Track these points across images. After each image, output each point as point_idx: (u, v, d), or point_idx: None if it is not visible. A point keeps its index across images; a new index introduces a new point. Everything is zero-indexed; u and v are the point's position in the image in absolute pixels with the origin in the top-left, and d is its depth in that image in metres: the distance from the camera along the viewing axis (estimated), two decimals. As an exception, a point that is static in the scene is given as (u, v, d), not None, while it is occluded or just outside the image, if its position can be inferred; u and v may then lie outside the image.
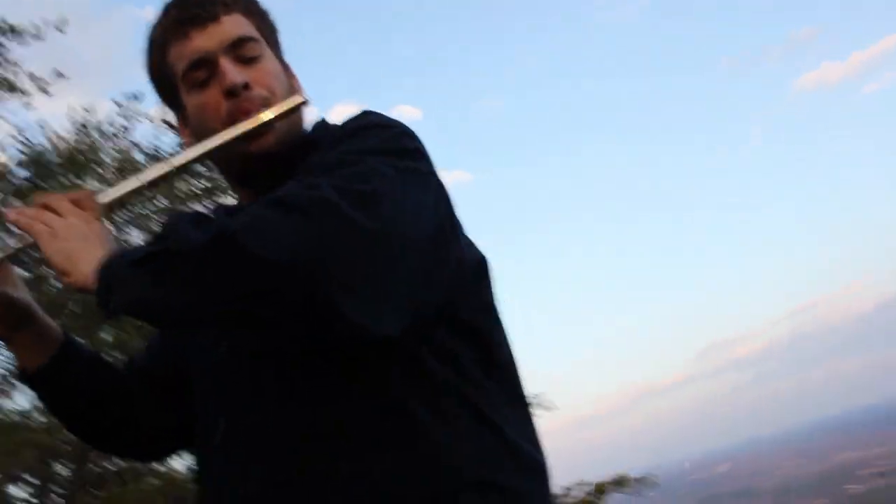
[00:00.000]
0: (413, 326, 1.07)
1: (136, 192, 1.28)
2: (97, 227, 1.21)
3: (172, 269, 1.04)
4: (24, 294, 1.36)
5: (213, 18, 1.25)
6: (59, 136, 9.30)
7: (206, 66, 1.25)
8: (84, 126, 9.47)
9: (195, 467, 1.32)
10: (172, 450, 1.55)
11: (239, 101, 1.23)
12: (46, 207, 1.22)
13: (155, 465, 8.06)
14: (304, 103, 1.26)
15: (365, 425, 1.10)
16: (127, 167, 9.16)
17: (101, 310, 1.12)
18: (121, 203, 1.28)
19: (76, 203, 1.23)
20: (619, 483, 11.08)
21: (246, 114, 1.23)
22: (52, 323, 1.41)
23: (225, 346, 1.24)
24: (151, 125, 9.81)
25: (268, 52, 1.30)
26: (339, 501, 1.08)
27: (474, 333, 1.19)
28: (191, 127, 1.31)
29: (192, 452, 1.40)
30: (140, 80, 1.35)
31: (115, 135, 10.04)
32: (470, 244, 1.25)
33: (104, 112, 9.84)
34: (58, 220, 1.20)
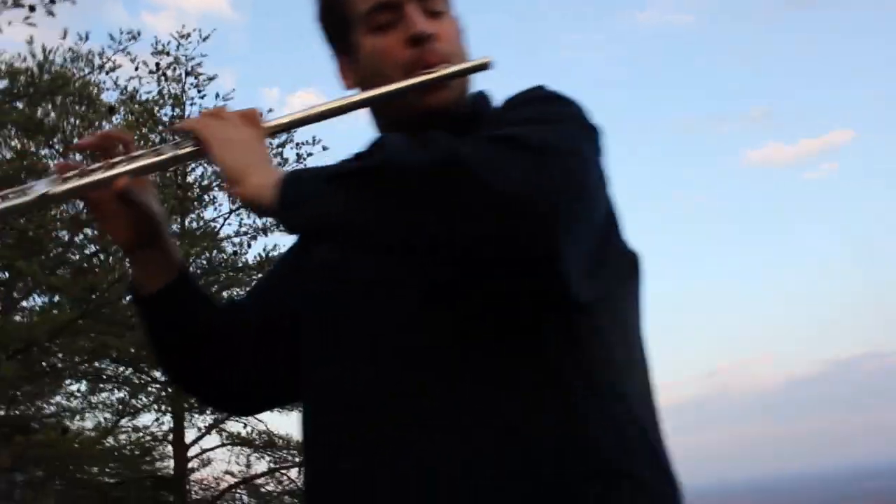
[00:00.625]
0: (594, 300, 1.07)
1: (302, 122, 1.29)
2: (265, 146, 1.20)
3: (389, 186, 1.01)
4: (160, 210, 1.33)
5: None
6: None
7: (391, 10, 1.24)
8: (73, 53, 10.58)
9: (304, 419, 1.25)
10: (265, 403, 1.48)
11: (423, 51, 1.22)
12: (216, 117, 1.21)
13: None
14: (487, 65, 1.26)
15: (516, 384, 1.07)
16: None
17: (278, 223, 1.09)
18: (283, 129, 1.28)
19: (245, 119, 1.22)
20: None
21: (427, 65, 1.22)
22: (176, 247, 1.37)
23: (361, 292, 1.18)
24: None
25: (450, 9, 1.30)
26: (489, 455, 1.03)
27: (624, 323, 1.19)
28: (360, 69, 1.29)
29: (295, 403, 1.33)
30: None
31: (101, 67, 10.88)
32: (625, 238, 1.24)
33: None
34: (230, 129, 1.19)
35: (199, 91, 12.78)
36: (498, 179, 0.96)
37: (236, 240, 13.37)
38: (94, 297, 10.50)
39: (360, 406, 1.12)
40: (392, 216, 1.01)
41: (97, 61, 11.29)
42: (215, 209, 13.48)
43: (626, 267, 1.22)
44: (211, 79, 12.89)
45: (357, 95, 1.27)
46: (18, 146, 10.77)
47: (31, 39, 10.69)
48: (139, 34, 11.48)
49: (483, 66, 1.27)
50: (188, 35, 12.54)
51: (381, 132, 1.32)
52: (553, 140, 1.01)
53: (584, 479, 1.04)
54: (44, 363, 11.95)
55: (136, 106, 12.03)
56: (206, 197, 13.34)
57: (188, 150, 1.23)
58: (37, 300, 12.18)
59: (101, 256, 11.84)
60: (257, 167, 1.14)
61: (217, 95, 13.00)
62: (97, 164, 1.24)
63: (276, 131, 1.26)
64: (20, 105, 10.30)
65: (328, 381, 1.18)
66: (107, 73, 11.39)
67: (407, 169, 1.01)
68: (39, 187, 1.22)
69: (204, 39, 12.59)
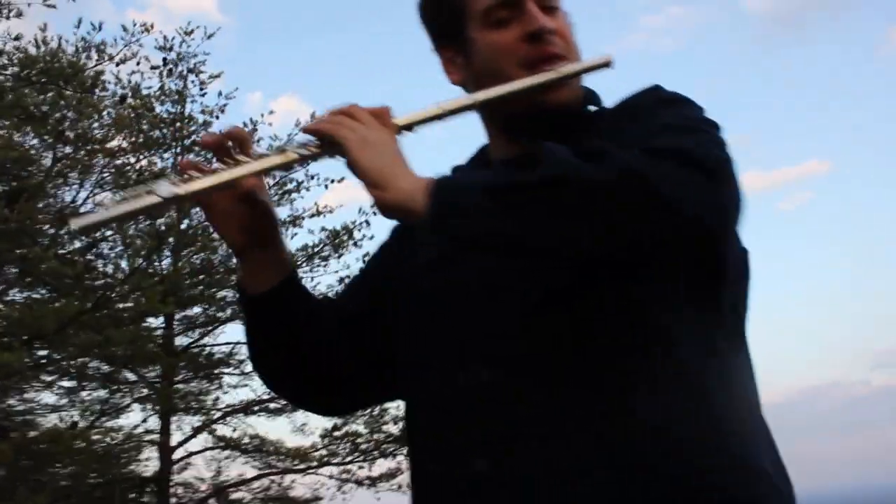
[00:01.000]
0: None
1: (432, 119, 1.24)
2: (401, 146, 1.17)
3: (570, 201, 1.01)
4: (276, 211, 1.31)
5: None
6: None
7: (510, 7, 1.23)
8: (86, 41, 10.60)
9: (411, 415, 1.27)
10: (359, 403, 1.50)
11: (542, 46, 1.22)
12: (348, 115, 1.16)
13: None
14: (609, 63, 1.25)
15: (647, 383, 1.08)
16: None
17: (433, 231, 1.08)
18: (412, 127, 1.23)
19: (378, 118, 1.17)
20: None
21: (549, 59, 1.21)
22: (286, 245, 1.35)
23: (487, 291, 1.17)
24: None
25: (561, 4, 1.30)
26: (617, 442, 1.05)
27: (740, 325, 1.22)
28: (473, 65, 1.27)
29: (396, 400, 1.37)
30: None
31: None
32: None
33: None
34: (365, 128, 1.15)
35: (200, 89, 12.66)
36: (681, 201, 1.00)
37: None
38: (99, 292, 10.44)
39: (487, 408, 1.12)
40: (560, 227, 1.02)
41: (109, 51, 11.13)
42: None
43: (742, 266, 1.23)
44: (216, 76, 12.78)
45: (488, 92, 1.23)
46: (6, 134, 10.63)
47: (44, 27, 10.57)
48: (152, 26, 11.35)
49: (606, 65, 1.26)
50: (192, 32, 12.43)
51: (494, 128, 1.31)
52: (716, 157, 1.06)
53: (721, 472, 1.06)
54: (44, 355, 11.83)
55: (137, 101, 11.87)
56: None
57: (315, 150, 1.18)
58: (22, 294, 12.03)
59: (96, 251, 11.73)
60: (400, 171, 1.11)
61: (220, 94, 12.92)
62: (219, 164, 1.21)
63: (405, 129, 1.21)
64: (28, 91, 10.19)
65: (445, 381, 1.17)
66: (117, 64, 11.22)
67: (590, 184, 1.01)
68: (165, 188, 1.18)
69: (209, 37, 12.47)
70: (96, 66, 11.01)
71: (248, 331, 1.36)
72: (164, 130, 12.21)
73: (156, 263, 12.33)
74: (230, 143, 1.21)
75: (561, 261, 1.09)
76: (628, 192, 1.00)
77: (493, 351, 1.14)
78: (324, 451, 13.67)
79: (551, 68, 1.21)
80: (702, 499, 1.04)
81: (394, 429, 13.14)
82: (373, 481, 13.53)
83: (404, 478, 12.57)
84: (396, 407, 12.17)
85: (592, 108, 1.29)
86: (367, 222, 12.58)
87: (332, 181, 12.70)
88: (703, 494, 1.04)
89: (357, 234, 12.69)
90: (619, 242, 1.02)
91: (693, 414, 1.07)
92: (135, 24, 11.14)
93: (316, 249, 12.74)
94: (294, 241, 12.95)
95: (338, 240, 12.72)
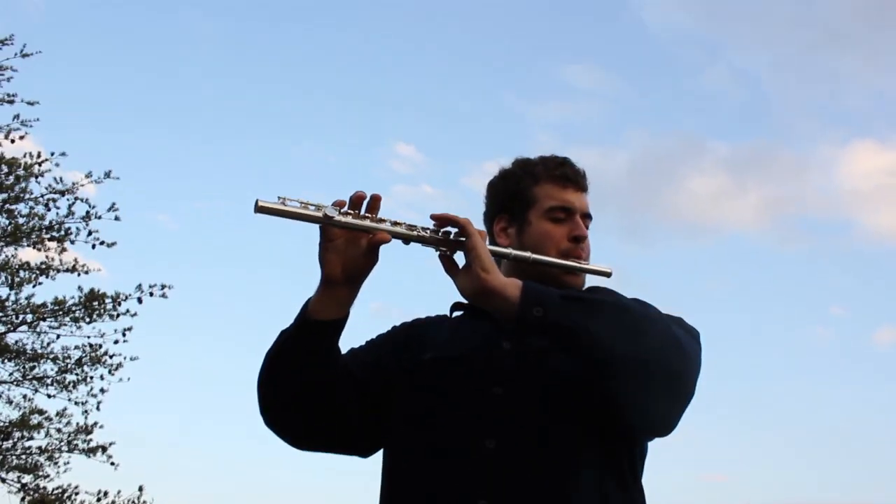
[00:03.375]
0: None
1: (499, 257, 1.67)
2: None
3: (609, 312, 1.51)
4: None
5: (584, 190, 1.82)
6: None
7: (566, 213, 1.77)
8: None
9: (406, 470, 1.63)
10: (332, 442, 1.75)
11: (578, 248, 1.76)
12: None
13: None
14: (609, 274, 1.79)
15: (595, 485, 1.56)
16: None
17: (521, 314, 1.48)
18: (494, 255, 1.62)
19: None
20: None
21: (577, 256, 1.75)
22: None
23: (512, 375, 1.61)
24: None
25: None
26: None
27: (640, 470, 1.71)
28: (524, 237, 1.77)
29: (396, 455, 1.67)
30: None
31: None
32: None
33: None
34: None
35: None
36: (683, 347, 1.56)
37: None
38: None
39: (490, 465, 1.55)
40: (603, 331, 1.48)
41: None
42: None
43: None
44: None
45: (538, 256, 1.70)
46: None
47: None
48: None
49: (606, 274, 1.79)
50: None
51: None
52: (692, 341, 1.64)
53: None
54: None
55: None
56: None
57: (441, 235, 1.57)
58: None
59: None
60: (495, 267, 1.54)
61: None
62: (367, 214, 1.55)
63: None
64: None
65: (454, 440, 1.58)
66: None
67: (632, 311, 1.54)
68: (330, 210, 1.51)
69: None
70: None
71: (286, 350, 1.63)
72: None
73: None
74: (367, 201, 1.55)
75: (605, 365, 1.49)
76: (650, 322, 1.55)
77: (496, 425, 1.57)
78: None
79: (577, 261, 1.74)
80: None
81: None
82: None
83: None
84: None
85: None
86: (140, 300, 10.76)
87: (102, 243, 10.69)
88: None
89: (120, 308, 10.85)
90: (626, 353, 1.47)
91: (629, 497, 1.62)
92: None
93: (67, 307, 10.88)
94: (41, 290, 11.53)
95: (96, 302, 10.87)
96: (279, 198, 1.49)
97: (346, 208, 1.54)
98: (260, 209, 1.47)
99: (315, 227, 1.56)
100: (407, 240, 1.58)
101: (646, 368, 1.48)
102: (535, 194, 1.78)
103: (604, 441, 1.58)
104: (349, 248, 1.57)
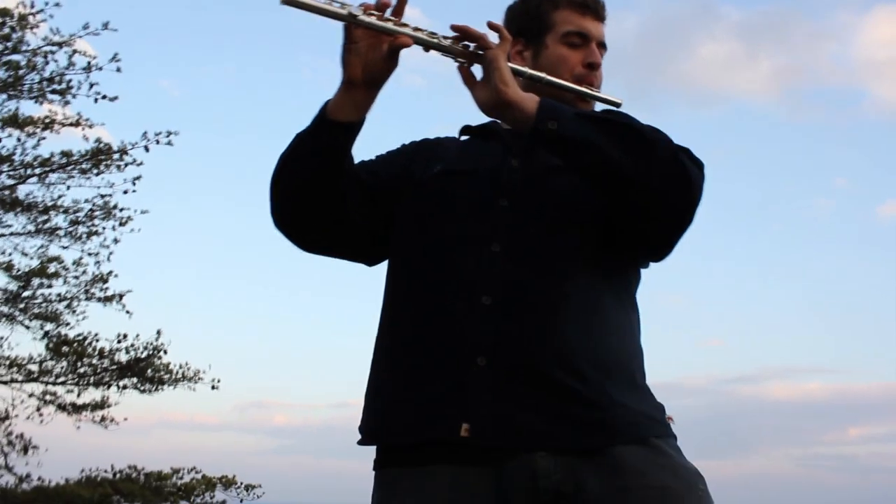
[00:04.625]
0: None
1: (515, 75, 1.63)
2: None
3: (619, 132, 1.54)
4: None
5: (602, 20, 1.84)
6: None
7: (582, 39, 1.79)
8: None
9: (414, 277, 1.66)
10: (336, 245, 1.77)
11: (592, 74, 1.79)
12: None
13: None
14: (619, 105, 1.78)
15: (592, 290, 1.63)
16: None
17: (536, 127, 1.50)
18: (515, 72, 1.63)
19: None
20: (227, 483, 11.63)
21: (590, 83, 1.77)
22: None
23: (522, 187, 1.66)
24: None
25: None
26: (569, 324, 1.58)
27: (635, 287, 1.78)
28: (539, 61, 1.78)
29: (405, 259, 1.70)
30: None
31: None
32: None
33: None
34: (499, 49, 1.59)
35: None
36: (691, 176, 1.57)
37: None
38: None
39: (497, 270, 1.60)
40: (612, 149, 1.51)
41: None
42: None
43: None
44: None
45: (552, 78, 1.71)
46: None
47: None
48: None
49: (617, 104, 1.77)
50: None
51: None
52: (697, 170, 1.62)
53: (630, 356, 1.66)
54: None
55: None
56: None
57: (461, 47, 1.56)
58: None
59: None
60: (513, 81, 1.55)
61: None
62: (391, 17, 1.54)
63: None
64: None
65: (463, 245, 1.62)
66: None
67: (642, 133, 1.56)
68: (355, 9, 1.50)
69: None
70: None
71: (301, 148, 1.63)
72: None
73: None
74: (392, 4, 1.54)
75: (611, 183, 1.55)
76: (659, 147, 1.55)
77: (507, 240, 1.61)
78: (35, 367, 11.63)
79: (590, 88, 1.76)
80: (617, 371, 1.59)
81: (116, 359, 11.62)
82: (77, 409, 11.63)
83: (111, 411, 11.65)
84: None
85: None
86: (147, 147, 10.88)
87: (104, 97, 10.61)
88: (623, 370, 1.61)
89: (127, 158, 10.99)
90: (635, 173, 1.51)
91: (627, 329, 1.68)
92: None
93: (75, 158, 10.94)
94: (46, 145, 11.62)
95: (102, 156, 10.97)
96: None
97: (371, 11, 1.54)
98: (287, 1, 1.45)
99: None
100: (427, 47, 1.58)
101: (650, 188, 1.53)
102: (554, 19, 1.81)
103: (602, 259, 1.65)
104: (370, 52, 1.58)
